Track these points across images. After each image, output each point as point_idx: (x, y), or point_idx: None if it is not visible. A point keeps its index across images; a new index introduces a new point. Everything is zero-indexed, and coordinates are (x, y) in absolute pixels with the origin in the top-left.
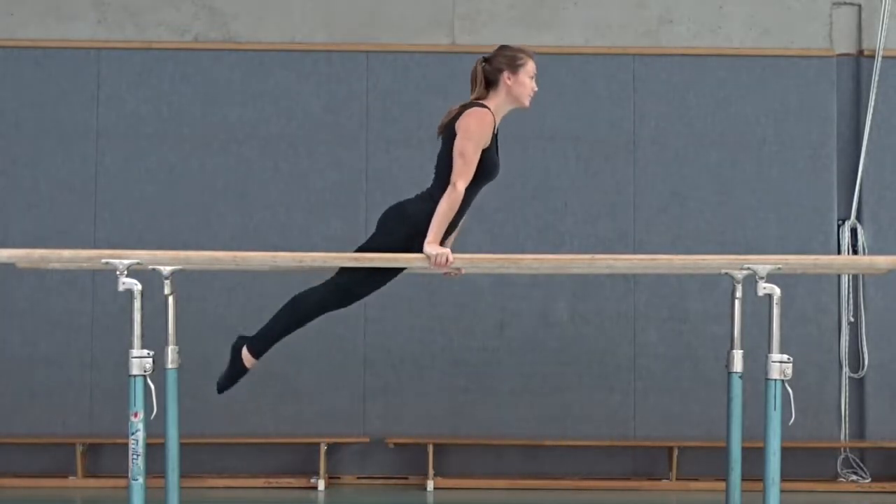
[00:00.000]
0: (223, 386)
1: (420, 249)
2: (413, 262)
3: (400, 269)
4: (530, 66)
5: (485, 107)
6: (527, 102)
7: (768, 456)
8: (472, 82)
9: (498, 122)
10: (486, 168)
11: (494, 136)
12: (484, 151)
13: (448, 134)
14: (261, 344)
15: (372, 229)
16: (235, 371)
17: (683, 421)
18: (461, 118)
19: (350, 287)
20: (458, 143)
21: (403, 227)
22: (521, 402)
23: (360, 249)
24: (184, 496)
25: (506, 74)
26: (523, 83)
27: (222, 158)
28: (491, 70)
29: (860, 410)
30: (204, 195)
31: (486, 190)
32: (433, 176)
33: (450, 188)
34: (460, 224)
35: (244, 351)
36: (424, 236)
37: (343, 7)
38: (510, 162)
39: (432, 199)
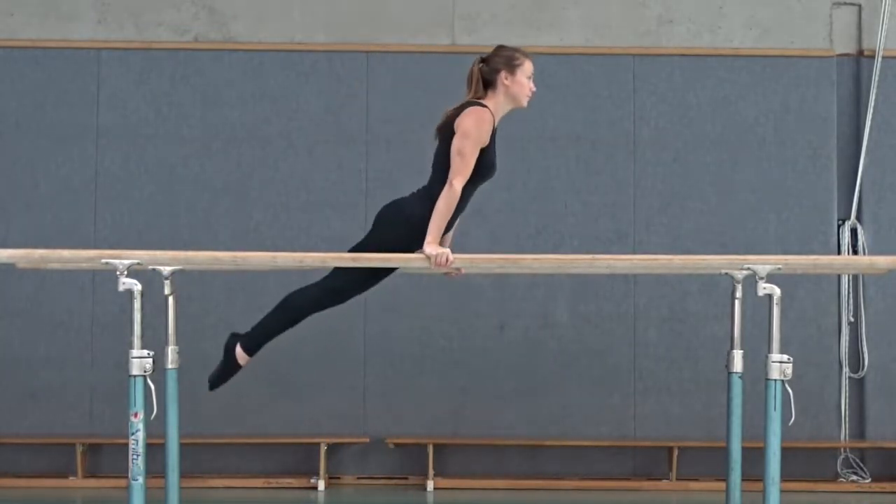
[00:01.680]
0: (215, 383)
1: (418, 248)
2: (413, 262)
3: (393, 269)
4: (528, 66)
5: (484, 106)
6: (525, 102)
7: (768, 456)
8: (468, 83)
9: (496, 122)
10: (484, 167)
11: (492, 137)
12: (482, 151)
13: (447, 132)
14: (253, 342)
15: (371, 224)
16: (228, 368)
17: (683, 421)
18: (460, 117)
19: (344, 287)
20: (457, 142)
21: (401, 227)
22: (521, 402)
23: (356, 248)
24: (184, 496)
25: (503, 74)
26: (521, 83)
27: (222, 158)
28: (488, 70)
29: (860, 410)
30: (204, 195)
31: (486, 190)
32: (430, 173)
33: (447, 187)
34: (456, 223)
35: (237, 348)
36: (422, 235)
37: (343, 7)
38: (510, 162)
39: (430, 198)
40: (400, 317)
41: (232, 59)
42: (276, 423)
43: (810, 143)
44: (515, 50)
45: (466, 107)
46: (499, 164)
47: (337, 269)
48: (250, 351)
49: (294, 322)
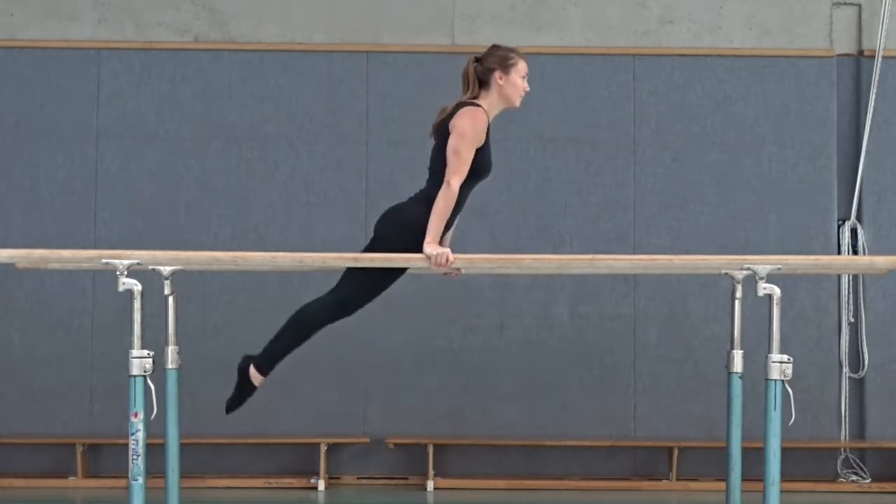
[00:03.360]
0: (232, 406)
1: (420, 251)
2: (413, 262)
3: (401, 272)
4: (521, 66)
5: (478, 106)
6: (517, 103)
7: (768, 456)
8: (463, 82)
9: (490, 121)
10: (480, 166)
11: (487, 136)
12: (478, 150)
13: (442, 133)
14: (266, 361)
15: (372, 230)
16: (244, 390)
17: (683, 421)
18: (455, 117)
19: (352, 296)
20: (453, 142)
21: (403, 232)
22: (521, 402)
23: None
24: (184, 496)
25: (497, 74)
26: (515, 83)
27: (222, 158)
28: (483, 70)
29: (860, 410)
30: (204, 195)
31: (486, 190)
32: (427, 175)
33: (444, 186)
34: (455, 222)
35: (251, 369)
36: (423, 237)
37: (343, 7)
38: (511, 162)
39: (428, 201)
40: (400, 317)
41: (232, 59)
42: (276, 423)
43: (810, 143)
44: (510, 50)
45: (461, 107)
46: (496, 164)
47: (344, 280)
48: (264, 370)
49: (305, 338)
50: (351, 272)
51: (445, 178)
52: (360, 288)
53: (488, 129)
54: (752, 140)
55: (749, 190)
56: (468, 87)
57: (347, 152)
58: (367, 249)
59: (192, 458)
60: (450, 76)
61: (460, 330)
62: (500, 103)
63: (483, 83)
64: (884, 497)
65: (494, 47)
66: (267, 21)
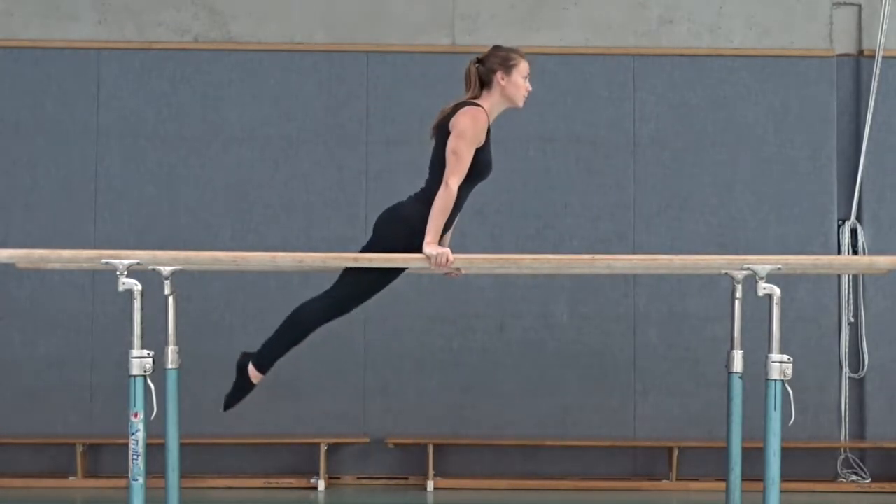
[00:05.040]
0: (230, 403)
1: (419, 250)
2: (413, 262)
3: (399, 272)
4: (523, 67)
5: (479, 106)
6: (520, 103)
7: (768, 456)
8: (465, 83)
9: (491, 121)
10: (480, 167)
11: (487, 137)
12: (477, 151)
13: (442, 132)
14: (265, 359)
15: (372, 230)
16: (242, 387)
17: (683, 421)
18: (455, 117)
19: (350, 295)
20: (452, 142)
21: (401, 230)
22: (521, 402)
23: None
24: (184, 496)
25: (499, 75)
26: (517, 83)
27: (222, 158)
28: (484, 71)
29: (860, 410)
30: (204, 195)
31: (486, 190)
32: (427, 175)
33: (443, 187)
34: (455, 223)
35: (250, 367)
36: (422, 236)
37: (343, 7)
38: (511, 162)
39: (427, 200)
40: (400, 317)
41: (232, 59)
42: (276, 423)
43: (810, 143)
44: (512, 50)
45: (461, 107)
46: (496, 164)
47: (341, 280)
48: (263, 369)
49: (303, 336)
50: (348, 272)
51: (444, 178)
52: (356, 288)
53: (489, 129)
54: (752, 140)
55: (749, 190)
56: (470, 88)
57: (347, 152)
58: (366, 249)
59: (192, 458)
60: (450, 76)
61: (460, 330)
62: (502, 104)
63: (485, 84)
64: (884, 497)
65: (496, 48)
66: (267, 21)
